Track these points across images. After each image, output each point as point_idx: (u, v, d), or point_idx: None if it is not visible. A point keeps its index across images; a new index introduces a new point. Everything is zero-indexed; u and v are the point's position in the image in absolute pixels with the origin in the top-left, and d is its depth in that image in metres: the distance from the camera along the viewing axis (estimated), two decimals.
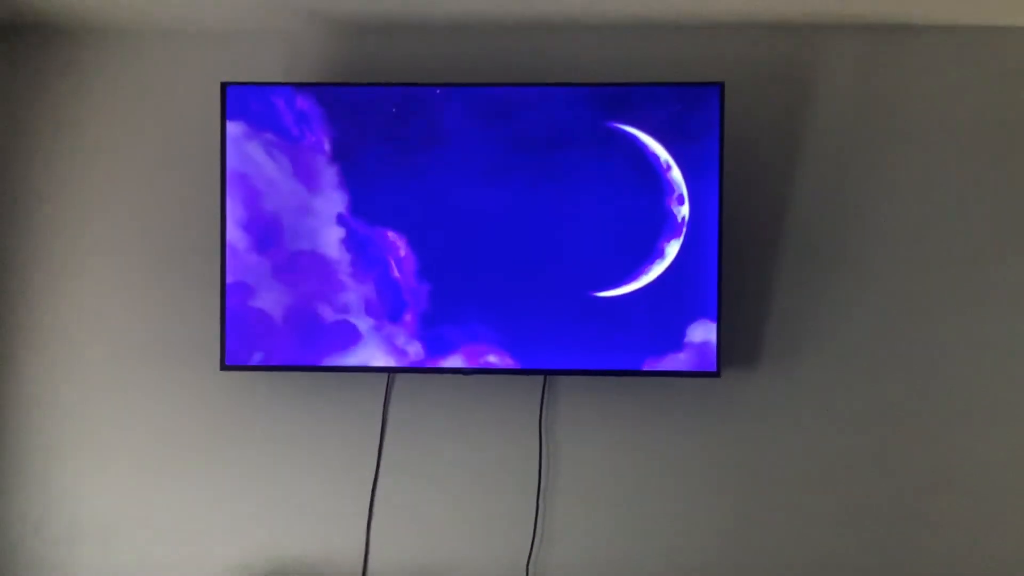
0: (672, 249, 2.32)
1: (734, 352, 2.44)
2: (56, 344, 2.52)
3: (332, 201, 2.34)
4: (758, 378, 2.48)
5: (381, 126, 2.33)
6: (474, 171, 2.33)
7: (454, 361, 2.35)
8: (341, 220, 2.35)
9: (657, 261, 2.32)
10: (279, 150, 2.34)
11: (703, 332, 2.32)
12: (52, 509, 2.51)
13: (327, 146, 2.34)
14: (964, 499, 2.46)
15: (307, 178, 2.34)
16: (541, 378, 2.46)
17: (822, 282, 2.48)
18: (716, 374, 2.32)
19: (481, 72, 2.49)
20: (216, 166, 2.39)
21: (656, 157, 2.31)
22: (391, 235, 2.35)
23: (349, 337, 2.35)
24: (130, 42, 2.53)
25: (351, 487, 2.49)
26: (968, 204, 2.48)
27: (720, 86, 2.30)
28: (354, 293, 2.35)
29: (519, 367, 2.35)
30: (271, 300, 2.35)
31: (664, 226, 2.32)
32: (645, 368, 2.33)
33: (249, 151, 2.34)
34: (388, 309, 2.35)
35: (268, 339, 2.36)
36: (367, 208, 2.34)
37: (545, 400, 2.48)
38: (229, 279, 2.36)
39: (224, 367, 2.36)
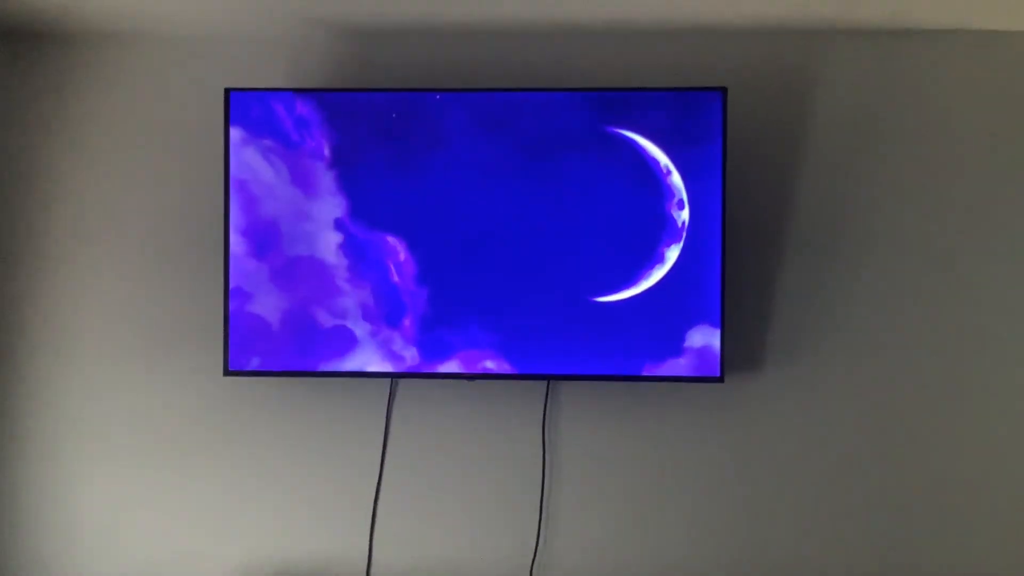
0: (672, 254, 2.31)
1: (737, 356, 2.44)
2: (58, 347, 2.53)
3: (331, 206, 2.35)
4: (762, 382, 2.47)
5: (381, 131, 2.34)
6: (474, 176, 2.34)
7: (453, 366, 2.35)
8: (340, 225, 2.35)
9: (657, 266, 2.32)
10: (279, 156, 2.35)
11: (702, 337, 2.31)
12: (54, 512, 2.52)
13: (327, 151, 2.35)
14: (970, 500, 2.45)
15: (307, 183, 2.35)
16: (544, 383, 2.46)
17: (825, 286, 2.47)
18: (720, 379, 2.32)
19: (484, 77, 2.49)
20: (217, 171, 2.41)
21: (656, 162, 2.31)
22: (391, 239, 2.35)
23: (346, 342, 2.35)
24: (133, 48, 2.54)
25: (355, 491, 2.50)
26: (971, 207, 2.47)
27: (723, 91, 2.30)
28: (351, 298, 2.35)
29: (518, 372, 2.34)
30: (269, 305, 2.36)
31: (664, 231, 2.32)
32: (645, 373, 2.33)
33: (249, 157, 2.35)
34: (387, 314, 2.35)
35: (265, 344, 2.36)
36: (367, 212, 2.35)
37: (548, 405, 2.48)
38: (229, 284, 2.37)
39: (227, 372, 2.37)
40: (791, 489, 2.47)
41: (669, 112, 2.30)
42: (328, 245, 2.35)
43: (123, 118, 2.54)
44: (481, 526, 2.49)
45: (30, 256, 2.54)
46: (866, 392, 2.47)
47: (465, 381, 2.41)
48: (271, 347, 2.36)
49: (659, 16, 2.40)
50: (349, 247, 2.35)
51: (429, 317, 2.35)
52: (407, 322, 2.35)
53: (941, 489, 2.46)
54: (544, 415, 2.48)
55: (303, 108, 2.34)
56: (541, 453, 2.48)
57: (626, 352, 2.32)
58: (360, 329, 2.35)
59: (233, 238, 2.36)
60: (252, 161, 2.35)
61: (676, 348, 2.32)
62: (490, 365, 2.34)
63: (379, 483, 2.49)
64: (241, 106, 2.35)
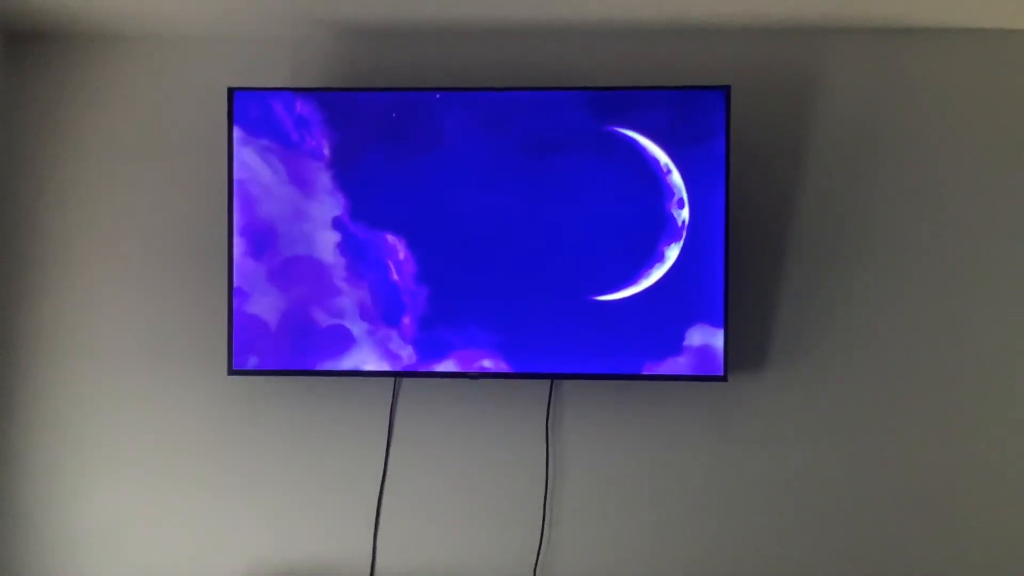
0: (672, 253, 2.31)
1: (740, 356, 2.43)
2: (60, 349, 2.54)
3: (330, 205, 2.35)
4: (765, 382, 2.47)
5: (381, 131, 2.35)
6: (474, 175, 2.34)
7: (452, 365, 2.35)
8: (339, 224, 2.36)
9: (657, 265, 2.32)
10: (279, 155, 2.36)
11: (702, 336, 2.31)
12: (57, 514, 2.53)
13: (327, 151, 2.36)
14: (976, 501, 2.44)
15: (306, 183, 2.36)
16: (547, 382, 2.46)
17: (827, 284, 2.46)
18: (723, 378, 2.31)
19: (486, 77, 2.49)
20: (217, 171, 2.43)
21: (656, 161, 2.31)
22: (390, 238, 2.36)
23: (343, 341, 2.36)
24: (133, 49, 2.55)
25: (358, 491, 2.50)
26: (975, 208, 2.46)
27: (726, 90, 2.30)
28: (349, 297, 2.36)
29: (518, 371, 2.34)
30: (267, 305, 2.37)
31: (664, 230, 2.31)
32: (645, 372, 2.32)
33: (250, 156, 2.36)
34: (386, 312, 2.36)
35: (263, 344, 2.37)
36: (367, 211, 2.35)
37: (552, 404, 2.48)
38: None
39: (232, 372, 2.38)
40: (794, 489, 2.46)
41: (670, 111, 2.30)
42: (326, 245, 2.36)
43: (124, 119, 2.55)
44: (485, 527, 2.49)
45: (31, 258, 2.55)
46: (868, 392, 2.46)
47: (468, 381, 2.41)
48: (269, 347, 2.37)
49: (659, 16, 2.40)
50: (348, 246, 2.36)
51: (428, 316, 2.36)
52: (406, 321, 2.36)
53: (943, 488, 2.45)
54: (548, 415, 2.47)
55: (303, 108, 2.35)
56: (545, 453, 2.47)
57: (626, 351, 2.32)
58: (357, 328, 2.36)
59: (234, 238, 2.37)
60: (252, 161, 2.36)
61: (676, 347, 2.32)
62: (488, 364, 2.35)
63: (383, 484, 2.50)
64: (243, 106, 2.36)
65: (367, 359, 2.36)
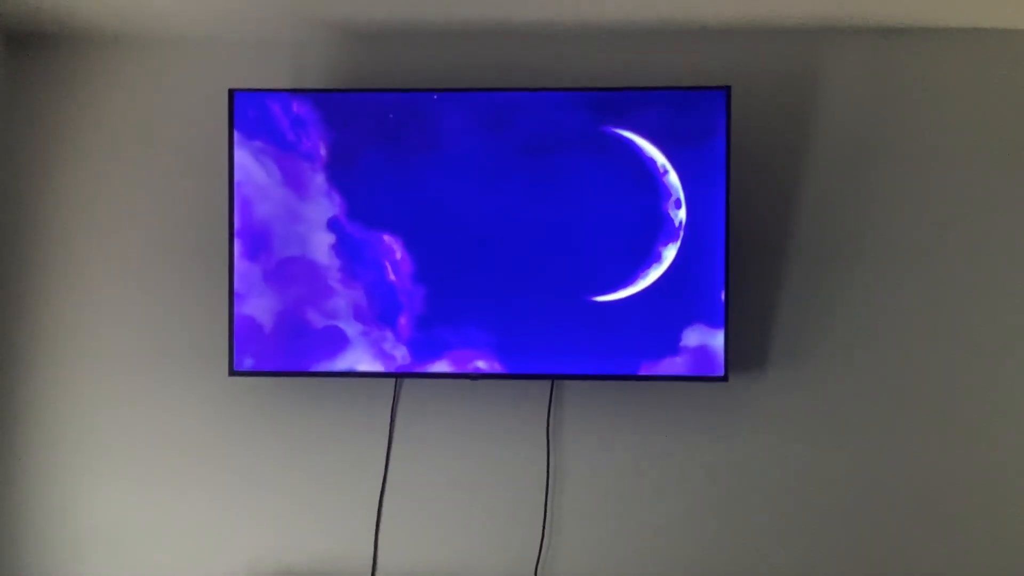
0: (669, 253, 2.31)
1: (740, 356, 2.43)
2: (60, 350, 2.55)
3: (326, 206, 2.36)
4: (766, 382, 2.47)
5: (379, 131, 2.35)
6: (472, 175, 2.35)
7: (446, 365, 2.35)
8: (336, 224, 2.36)
9: (654, 265, 2.32)
10: (276, 157, 2.36)
11: (699, 336, 2.31)
12: (57, 515, 2.53)
13: (323, 152, 2.36)
14: (976, 501, 2.43)
15: (303, 184, 2.36)
16: (548, 383, 2.46)
17: (828, 285, 2.46)
18: (724, 378, 2.31)
19: (487, 78, 2.50)
20: (216, 173, 2.44)
21: (653, 161, 2.31)
22: (387, 238, 2.36)
23: (338, 342, 2.36)
24: (133, 50, 2.56)
25: (360, 493, 2.50)
26: (976, 208, 2.45)
27: (726, 90, 2.30)
28: (343, 298, 2.36)
29: (515, 372, 2.35)
30: (262, 306, 2.37)
31: (661, 230, 2.31)
32: (642, 372, 2.32)
33: (249, 158, 2.37)
34: (382, 313, 2.36)
35: (258, 346, 2.37)
36: (364, 212, 2.36)
37: (552, 405, 2.48)
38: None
39: (232, 373, 2.39)
40: (795, 489, 2.46)
41: (669, 112, 2.30)
42: (321, 246, 2.37)
43: (124, 120, 2.56)
44: (486, 528, 2.49)
45: (31, 260, 2.56)
46: (868, 392, 2.45)
47: (468, 382, 2.42)
48: (264, 348, 2.37)
49: (658, 17, 2.40)
50: (344, 247, 2.36)
51: (425, 316, 2.36)
52: (403, 321, 2.36)
53: (943, 488, 2.44)
54: (548, 416, 2.48)
55: (301, 109, 2.36)
56: (546, 454, 2.48)
57: (623, 351, 2.32)
58: (352, 329, 2.36)
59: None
60: (253, 162, 2.37)
61: (673, 347, 2.32)
62: (482, 365, 2.35)
63: (383, 486, 2.50)
64: (244, 107, 2.36)
65: (361, 360, 2.36)
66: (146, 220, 2.55)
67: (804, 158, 2.48)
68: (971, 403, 2.44)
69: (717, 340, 2.30)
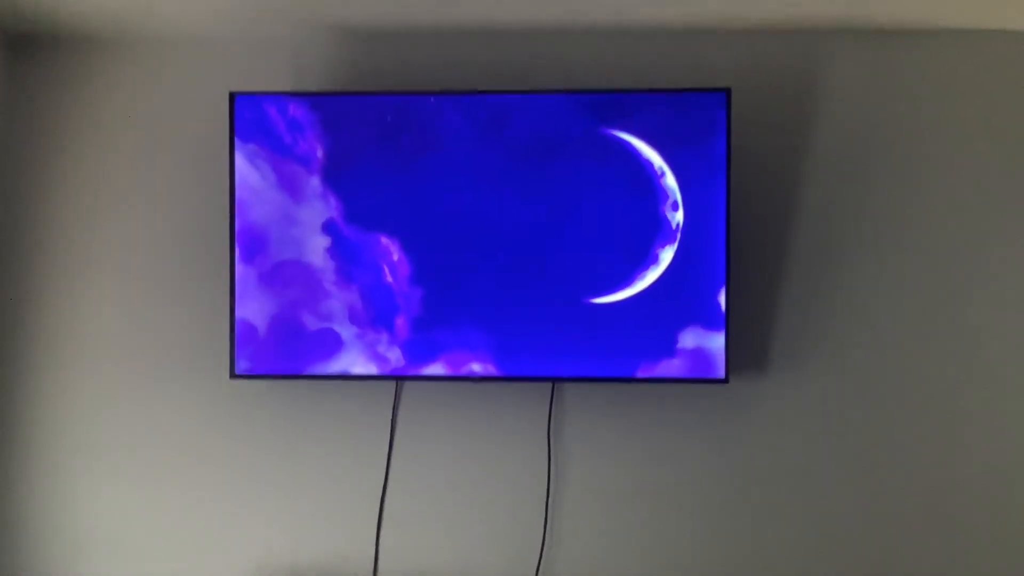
0: (666, 255, 2.31)
1: (740, 358, 2.42)
2: (61, 352, 2.55)
3: (322, 209, 2.36)
4: (766, 384, 2.46)
5: (376, 134, 2.35)
6: (469, 177, 2.35)
7: (442, 367, 2.35)
8: (333, 226, 2.36)
9: (651, 267, 2.31)
10: (272, 160, 2.37)
11: (695, 338, 2.31)
12: (59, 518, 2.53)
13: (320, 154, 2.36)
14: (976, 501, 2.42)
15: (299, 187, 2.36)
16: (548, 385, 2.46)
17: (828, 286, 2.46)
18: (724, 380, 2.31)
19: (488, 79, 2.50)
20: (216, 174, 2.43)
21: (650, 164, 2.31)
22: (384, 240, 2.36)
23: (332, 345, 2.36)
24: (133, 52, 2.56)
25: (361, 494, 2.50)
26: (975, 208, 2.44)
27: (727, 92, 2.30)
28: (338, 301, 2.36)
29: (512, 374, 2.35)
30: (257, 309, 2.37)
31: (658, 232, 2.31)
32: (639, 374, 2.32)
33: (243, 161, 2.37)
34: (379, 315, 2.36)
35: (253, 349, 2.38)
36: (361, 214, 2.36)
37: (554, 407, 2.48)
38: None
39: (234, 375, 2.39)
40: (796, 491, 2.45)
41: (667, 114, 2.30)
42: (317, 248, 2.37)
43: (123, 122, 2.56)
44: (487, 529, 2.49)
45: (31, 262, 2.56)
46: (868, 393, 2.45)
47: (469, 384, 2.42)
48: (259, 351, 2.37)
49: (657, 18, 2.40)
50: (339, 249, 2.36)
51: (423, 317, 2.36)
52: (400, 322, 2.36)
53: (943, 488, 2.43)
54: (549, 418, 2.47)
55: (297, 111, 2.36)
56: (547, 456, 2.48)
57: (621, 353, 2.32)
58: (346, 331, 2.36)
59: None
60: (251, 165, 2.37)
61: (669, 349, 2.31)
62: (477, 367, 2.35)
63: (385, 487, 2.50)
64: (242, 110, 2.36)
65: (355, 362, 2.36)
66: (146, 222, 2.55)
67: (804, 159, 2.47)
68: (971, 404, 2.43)
69: (714, 342, 2.30)
